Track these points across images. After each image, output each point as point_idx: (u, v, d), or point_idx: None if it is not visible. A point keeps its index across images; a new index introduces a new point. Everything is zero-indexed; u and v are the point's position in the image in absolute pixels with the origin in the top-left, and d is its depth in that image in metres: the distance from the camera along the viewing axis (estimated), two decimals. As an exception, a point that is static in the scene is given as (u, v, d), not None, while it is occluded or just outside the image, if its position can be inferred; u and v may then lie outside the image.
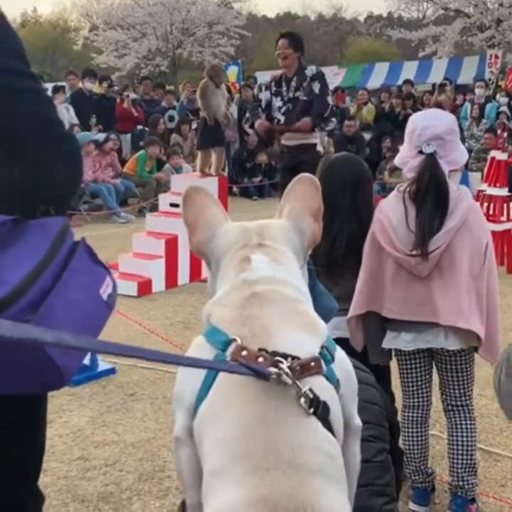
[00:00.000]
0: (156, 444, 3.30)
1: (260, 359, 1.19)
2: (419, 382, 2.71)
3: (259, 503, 1.07)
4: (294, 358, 1.21)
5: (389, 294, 2.61)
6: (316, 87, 6.13)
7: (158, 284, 6.05)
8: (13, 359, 1.39)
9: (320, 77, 6.25)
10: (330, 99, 6.41)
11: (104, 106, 11.58)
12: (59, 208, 1.67)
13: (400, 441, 2.69)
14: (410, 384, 2.72)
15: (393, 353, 2.75)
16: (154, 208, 8.90)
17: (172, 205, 6.42)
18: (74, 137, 1.79)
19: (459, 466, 2.66)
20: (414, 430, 2.71)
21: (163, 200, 6.74)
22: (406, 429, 2.72)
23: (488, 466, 3.08)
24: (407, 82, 15.38)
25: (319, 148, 6.39)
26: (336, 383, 1.28)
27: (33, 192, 1.63)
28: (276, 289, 1.32)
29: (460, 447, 2.66)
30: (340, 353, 1.35)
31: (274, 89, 6.26)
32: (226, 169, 11.39)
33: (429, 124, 2.58)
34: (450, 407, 2.70)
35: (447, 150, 2.56)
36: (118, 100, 12.08)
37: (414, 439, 2.71)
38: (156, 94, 13.49)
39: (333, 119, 6.41)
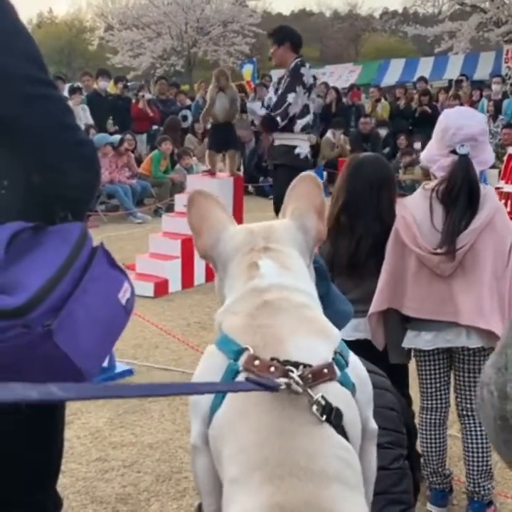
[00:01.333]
0: (173, 445, 3.32)
1: (272, 369, 1.20)
2: (438, 384, 2.70)
3: (276, 510, 1.08)
4: (305, 365, 1.21)
5: (410, 292, 2.59)
6: (287, 82, 5.80)
7: (175, 285, 6.08)
8: (39, 363, 1.42)
9: (291, 71, 5.79)
10: (290, 97, 5.67)
11: (119, 106, 11.65)
12: (77, 212, 1.68)
13: (418, 444, 2.68)
14: (429, 385, 2.71)
15: (412, 353, 2.74)
16: (170, 208, 8.94)
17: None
18: (91, 141, 1.80)
19: (475, 471, 2.65)
20: (433, 432, 2.71)
21: (179, 200, 6.76)
22: (424, 432, 2.71)
23: (506, 467, 3.05)
24: (421, 79, 15.30)
25: (300, 150, 5.81)
26: (351, 388, 1.28)
27: (50, 198, 1.64)
28: (286, 296, 1.32)
29: (476, 453, 2.64)
30: (354, 358, 1.35)
31: (276, 86, 6.07)
32: (242, 169, 11.44)
33: (464, 123, 2.52)
34: (465, 412, 2.68)
35: (479, 150, 2.53)
36: (133, 101, 12.13)
37: (432, 441, 2.70)
38: (171, 93, 13.53)
39: (278, 119, 5.66)
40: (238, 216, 6.24)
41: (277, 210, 5.94)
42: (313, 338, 1.28)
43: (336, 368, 1.25)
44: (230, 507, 1.15)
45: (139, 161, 10.90)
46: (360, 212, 2.72)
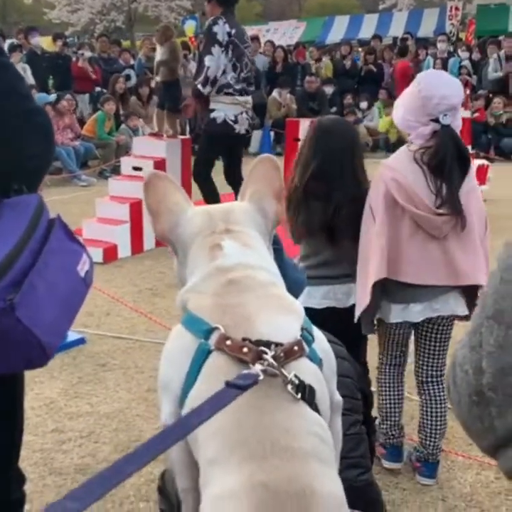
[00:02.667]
0: (130, 414, 3.32)
1: (245, 349, 1.21)
2: (401, 347, 2.75)
3: (260, 489, 1.10)
4: (277, 344, 1.22)
5: (405, 257, 2.54)
6: (203, 44, 5.56)
7: (124, 250, 6.01)
8: (0, 338, 1.41)
9: (206, 31, 5.56)
10: (207, 60, 5.44)
11: (59, 65, 11.29)
12: (33, 184, 1.65)
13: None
14: (392, 346, 2.75)
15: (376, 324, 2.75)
16: (116, 170, 8.79)
17: (135, 168, 6.33)
18: (44, 111, 1.75)
19: (435, 435, 2.72)
20: (395, 386, 2.77)
21: (126, 163, 6.63)
22: (386, 386, 2.77)
23: (457, 425, 3.15)
24: (375, 37, 15.35)
25: (217, 114, 5.57)
26: (319, 362, 1.31)
27: (5, 169, 1.60)
28: (251, 274, 1.34)
29: (438, 419, 2.71)
30: (317, 332, 1.38)
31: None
32: (187, 129, 11.26)
33: (447, 93, 2.49)
34: (430, 379, 2.72)
35: (455, 118, 2.53)
36: (73, 59, 11.76)
37: (394, 394, 2.77)
38: (113, 51, 13.13)
39: (199, 87, 5.47)
40: (186, 179, 6.17)
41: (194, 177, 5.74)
42: (280, 315, 1.30)
43: (304, 344, 1.27)
44: (209, 486, 1.17)
45: (81, 123, 10.64)
46: (335, 176, 2.63)
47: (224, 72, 5.53)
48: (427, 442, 2.74)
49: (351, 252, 2.64)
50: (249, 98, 5.83)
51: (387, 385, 2.78)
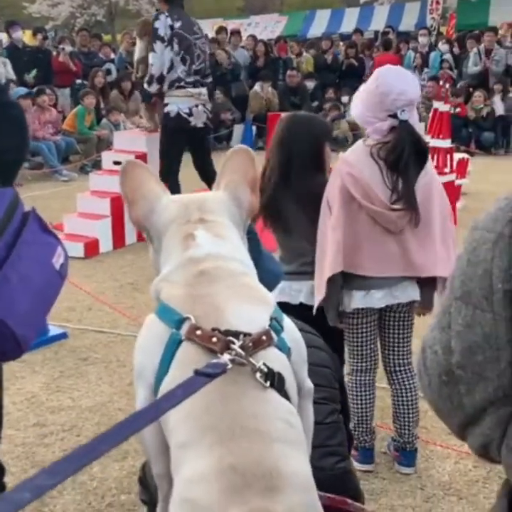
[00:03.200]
0: (113, 407, 3.33)
1: (214, 339, 1.24)
2: (370, 344, 2.74)
3: (229, 472, 1.13)
4: (245, 334, 1.26)
5: (366, 251, 2.57)
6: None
7: (105, 245, 6.00)
8: None
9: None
10: (150, 58, 5.41)
11: (40, 59, 11.19)
12: (7, 177, 1.65)
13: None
14: (360, 346, 2.74)
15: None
16: (97, 164, 8.75)
17: (116, 162, 6.29)
18: (18, 103, 1.76)
19: (409, 423, 2.75)
20: (366, 393, 2.76)
21: (107, 157, 6.62)
22: (356, 393, 2.75)
23: (435, 416, 3.19)
24: (357, 31, 15.34)
25: (170, 108, 5.54)
26: (287, 351, 1.34)
27: None
28: (223, 265, 1.36)
29: (410, 407, 2.75)
30: (288, 322, 1.41)
31: None
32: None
33: (404, 89, 2.50)
34: (397, 368, 2.75)
35: (412, 113, 2.56)
36: (54, 53, 11.67)
37: (366, 401, 2.76)
38: (93, 45, 13.04)
39: (145, 86, 5.53)
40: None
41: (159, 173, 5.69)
42: (249, 305, 1.33)
43: (273, 333, 1.30)
44: (180, 470, 1.19)
45: (63, 117, 10.57)
46: (305, 165, 2.67)
47: (172, 66, 5.47)
48: (402, 431, 2.77)
49: (307, 246, 2.67)
50: (203, 90, 5.72)
51: (359, 392, 2.76)
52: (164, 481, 1.32)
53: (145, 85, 5.49)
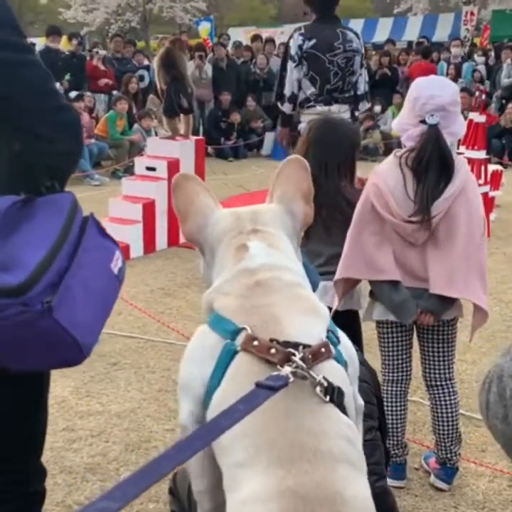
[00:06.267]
0: (141, 413, 3.31)
1: (272, 350, 1.20)
2: (403, 356, 2.70)
3: (289, 494, 1.08)
4: (305, 346, 1.21)
5: (382, 259, 2.56)
6: None
7: (136, 250, 6.01)
8: (39, 339, 1.42)
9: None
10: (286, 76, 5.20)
11: (74, 64, 11.29)
12: (62, 181, 1.65)
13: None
14: (393, 357, 2.70)
15: (375, 324, 2.74)
16: (128, 170, 8.78)
17: (148, 168, 6.35)
18: (72, 107, 1.75)
19: (447, 440, 2.69)
20: (398, 404, 2.72)
21: (140, 163, 6.64)
22: (388, 404, 2.71)
23: (469, 432, 3.14)
24: (389, 41, 15.27)
25: (301, 126, 5.23)
26: (344, 364, 1.30)
27: (35, 167, 1.61)
28: (277, 275, 1.33)
29: (446, 422, 2.69)
30: (342, 335, 1.37)
31: None
32: (201, 130, 11.27)
33: (434, 93, 2.49)
34: (434, 382, 2.70)
35: (450, 121, 2.51)
36: (88, 58, 11.77)
37: (397, 412, 2.72)
38: (127, 52, 13.12)
39: None
40: (201, 179, 6.16)
41: None
42: (307, 316, 1.29)
43: (331, 346, 1.26)
44: (236, 490, 1.15)
45: (96, 122, 10.65)
46: (333, 172, 2.72)
47: (300, 87, 5.20)
48: (440, 446, 2.72)
49: (322, 248, 2.75)
50: (334, 107, 5.28)
51: (390, 404, 2.71)
52: (205, 499, 1.29)
53: (278, 104, 5.37)
